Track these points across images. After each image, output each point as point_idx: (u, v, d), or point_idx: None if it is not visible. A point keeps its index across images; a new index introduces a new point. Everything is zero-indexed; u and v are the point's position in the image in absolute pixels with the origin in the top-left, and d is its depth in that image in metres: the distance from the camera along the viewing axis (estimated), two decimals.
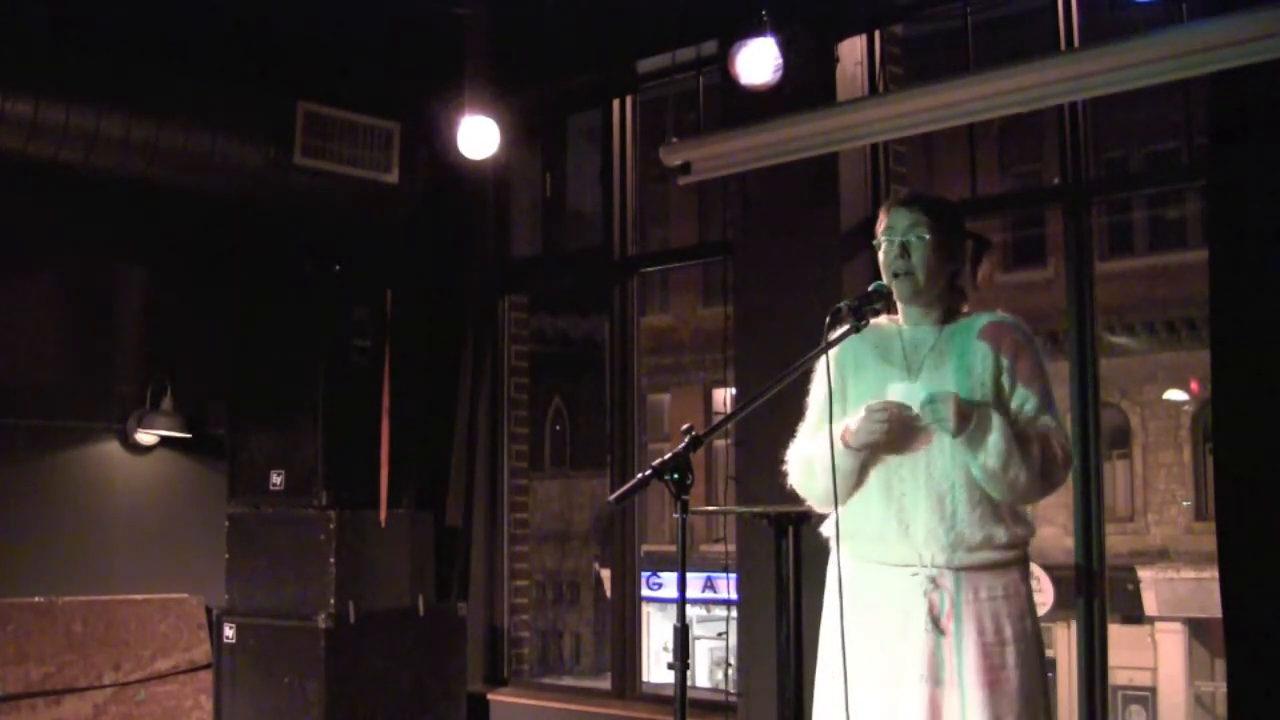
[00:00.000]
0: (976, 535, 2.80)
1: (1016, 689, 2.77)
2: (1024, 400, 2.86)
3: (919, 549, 2.82)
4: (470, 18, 6.19)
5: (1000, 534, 2.82)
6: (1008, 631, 2.79)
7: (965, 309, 3.01)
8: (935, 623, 2.79)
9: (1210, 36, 3.88)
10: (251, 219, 6.07)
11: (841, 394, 2.97)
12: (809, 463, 2.96)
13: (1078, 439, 4.49)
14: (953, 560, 2.80)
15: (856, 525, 2.89)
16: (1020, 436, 2.79)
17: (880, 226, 2.96)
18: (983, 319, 2.95)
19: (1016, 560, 2.87)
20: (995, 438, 2.75)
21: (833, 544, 2.95)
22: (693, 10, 5.38)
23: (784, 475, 3.07)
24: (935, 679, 2.77)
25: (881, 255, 2.94)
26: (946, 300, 2.97)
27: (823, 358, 2.86)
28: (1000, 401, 2.85)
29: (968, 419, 2.74)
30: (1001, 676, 2.76)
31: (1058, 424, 2.88)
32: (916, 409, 2.78)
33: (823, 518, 3.04)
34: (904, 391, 2.84)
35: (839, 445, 2.85)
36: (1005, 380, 2.86)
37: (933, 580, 2.80)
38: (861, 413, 2.83)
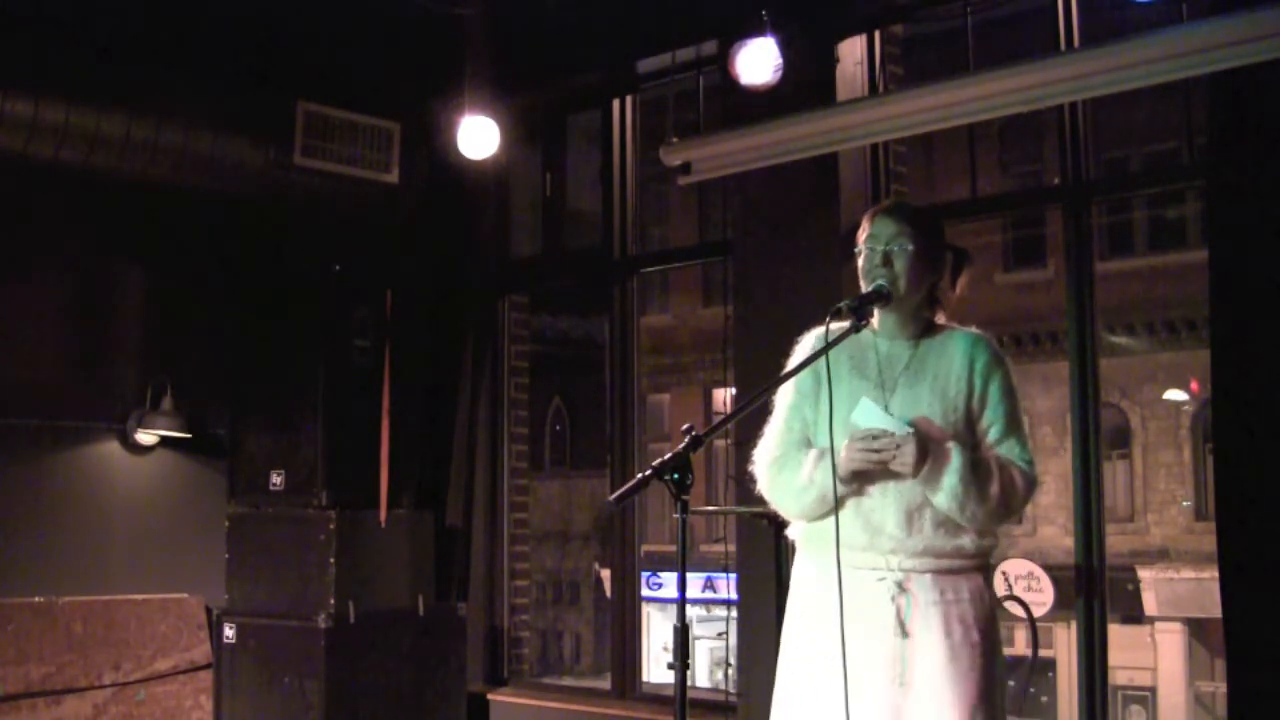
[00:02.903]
0: (945, 546, 2.82)
1: (978, 689, 2.77)
2: (991, 423, 2.88)
3: (885, 555, 2.82)
4: (470, 18, 6.19)
5: (967, 544, 2.84)
6: (974, 634, 2.81)
7: (941, 319, 3.00)
8: (901, 626, 2.79)
9: (1210, 36, 3.88)
10: (251, 219, 6.07)
11: (814, 398, 2.94)
12: (781, 474, 2.92)
13: (1078, 439, 4.49)
14: (919, 565, 2.81)
15: (823, 530, 2.88)
16: (980, 471, 2.79)
17: (862, 235, 2.94)
18: (957, 335, 2.94)
19: (981, 565, 2.89)
20: (951, 480, 2.76)
21: (799, 547, 2.96)
22: (693, 10, 5.38)
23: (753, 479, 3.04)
24: (899, 681, 2.78)
25: (862, 262, 2.92)
26: (924, 312, 2.97)
27: (822, 360, 2.85)
28: (970, 422, 2.87)
29: (924, 462, 2.75)
30: (968, 677, 2.77)
31: (1022, 447, 2.89)
32: (895, 432, 2.76)
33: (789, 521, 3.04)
34: (872, 413, 2.81)
35: (828, 475, 2.81)
36: (975, 403, 2.87)
37: (899, 585, 2.81)
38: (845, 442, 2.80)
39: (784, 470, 2.93)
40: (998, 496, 2.80)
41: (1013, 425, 2.89)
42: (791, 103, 4.85)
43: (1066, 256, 4.65)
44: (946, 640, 2.78)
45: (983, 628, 2.82)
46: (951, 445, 2.79)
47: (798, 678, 2.88)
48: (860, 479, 2.83)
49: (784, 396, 3.00)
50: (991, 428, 2.87)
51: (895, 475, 2.80)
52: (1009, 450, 2.87)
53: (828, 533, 2.86)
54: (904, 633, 2.79)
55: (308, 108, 5.68)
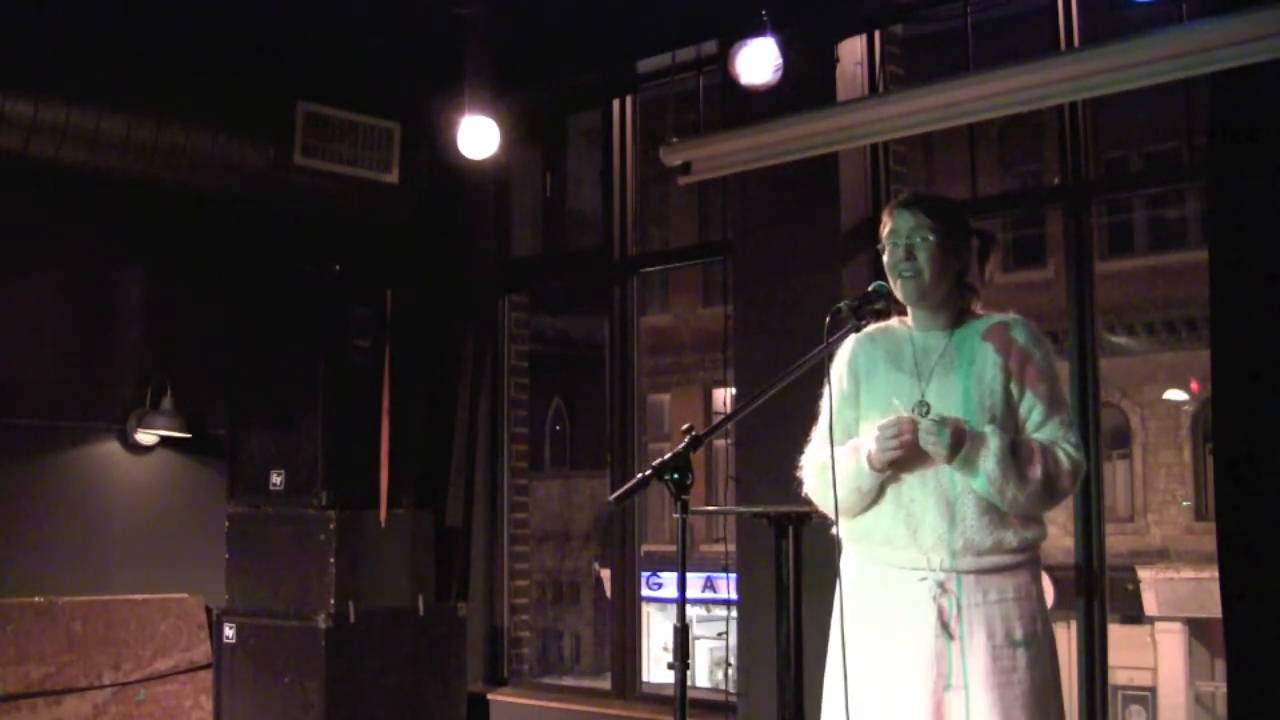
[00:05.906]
0: (986, 540, 2.78)
1: (1027, 691, 2.74)
2: (1031, 407, 2.84)
3: (926, 553, 2.80)
4: (470, 18, 6.18)
5: (1010, 538, 2.80)
6: (1018, 633, 2.77)
7: (978, 308, 2.98)
8: (945, 628, 2.77)
9: (1210, 36, 3.88)
10: (251, 219, 6.07)
11: (854, 398, 2.97)
12: (824, 474, 2.89)
13: None
14: (961, 564, 2.78)
15: (866, 528, 2.88)
16: (1021, 455, 2.76)
17: (884, 230, 2.94)
18: (991, 320, 2.93)
19: (1028, 562, 2.85)
20: (988, 464, 2.73)
21: (843, 545, 2.94)
22: (693, 10, 5.38)
23: (795, 481, 3.05)
24: (943, 683, 2.75)
25: (886, 258, 2.92)
26: (956, 301, 2.94)
27: (825, 361, 2.85)
28: (1010, 408, 2.83)
29: (959, 447, 2.73)
30: (1012, 679, 2.74)
31: (1067, 428, 2.84)
32: (918, 417, 2.76)
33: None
34: (906, 401, 2.82)
35: (863, 466, 2.83)
36: (1014, 387, 2.84)
37: (941, 585, 2.78)
38: (875, 432, 2.81)
39: (825, 471, 2.91)
40: (1040, 480, 2.76)
41: (1055, 407, 2.85)
42: (791, 103, 4.85)
43: (1066, 256, 4.65)
44: (989, 642, 2.75)
45: (1028, 627, 2.79)
46: (989, 429, 2.76)
47: (841, 678, 2.82)
48: (896, 467, 2.81)
49: (827, 401, 3.00)
50: (1033, 412, 2.83)
51: (934, 463, 2.78)
52: (1052, 433, 2.82)
53: (871, 531, 2.87)
54: (948, 634, 2.76)
55: (308, 108, 5.69)
